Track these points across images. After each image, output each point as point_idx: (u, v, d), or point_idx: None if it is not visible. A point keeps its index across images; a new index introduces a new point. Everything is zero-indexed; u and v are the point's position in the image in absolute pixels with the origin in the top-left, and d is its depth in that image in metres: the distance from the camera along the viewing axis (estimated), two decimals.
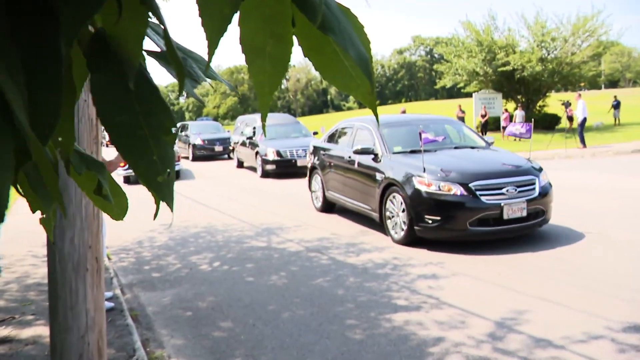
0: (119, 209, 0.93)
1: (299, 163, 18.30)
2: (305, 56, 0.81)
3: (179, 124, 31.97)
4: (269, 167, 18.79)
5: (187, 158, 27.76)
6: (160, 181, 0.82)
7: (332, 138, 11.95)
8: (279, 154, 18.67)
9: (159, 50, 0.97)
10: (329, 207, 11.80)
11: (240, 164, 22.88)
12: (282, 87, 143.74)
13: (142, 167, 0.81)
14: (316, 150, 12.43)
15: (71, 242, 3.83)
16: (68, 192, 3.78)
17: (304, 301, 6.41)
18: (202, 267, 8.09)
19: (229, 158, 26.10)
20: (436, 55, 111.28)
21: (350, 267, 7.69)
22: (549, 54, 33.04)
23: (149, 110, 0.82)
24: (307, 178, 12.81)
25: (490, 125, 30.48)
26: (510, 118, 29.77)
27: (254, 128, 20.73)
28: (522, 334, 5.22)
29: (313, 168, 12.35)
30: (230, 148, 24.36)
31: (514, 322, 5.52)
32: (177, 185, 17.52)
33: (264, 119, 0.81)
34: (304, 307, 6.22)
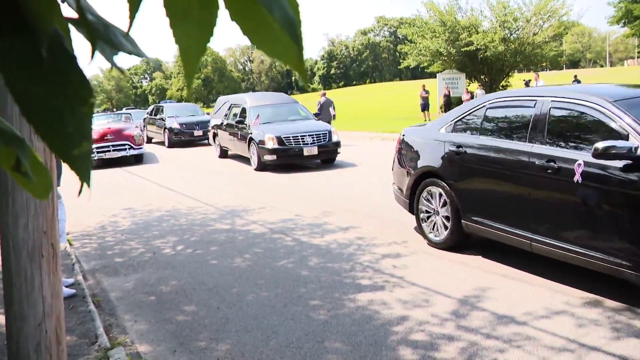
0: (41, 187, 0.88)
1: (306, 152, 15.04)
2: (232, 20, 0.77)
3: (152, 107, 30.87)
4: (268, 157, 15.16)
5: (162, 144, 25.36)
6: (77, 154, 0.77)
7: (469, 125, 7.06)
8: (280, 141, 15.07)
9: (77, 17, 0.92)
10: (461, 239, 7.10)
11: (223, 153, 19.20)
12: (247, 69, 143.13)
13: (57, 141, 0.76)
14: (409, 141, 7.94)
15: (25, 229, 3.73)
16: None
17: (268, 283, 6.39)
18: (165, 251, 8.01)
19: (210, 144, 21.99)
20: (400, 36, 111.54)
21: (314, 247, 7.68)
22: (511, 34, 33.43)
23: (65, 80, 0.77)
24: (403, 189, 7.91)
25: (453, 105, 30.74)
26: (472, 98, 30.07)
27: (243, 109, 17.33)
28: (485, 311, 5.27)
29: (427, 174, 7.37)
30: (209, 134, 21.14)
31: (477, 299, 5.58)
32: (139, 170, 17.29)
33: (189, 86, 0.77)
34: (268, 288, 6.20)
